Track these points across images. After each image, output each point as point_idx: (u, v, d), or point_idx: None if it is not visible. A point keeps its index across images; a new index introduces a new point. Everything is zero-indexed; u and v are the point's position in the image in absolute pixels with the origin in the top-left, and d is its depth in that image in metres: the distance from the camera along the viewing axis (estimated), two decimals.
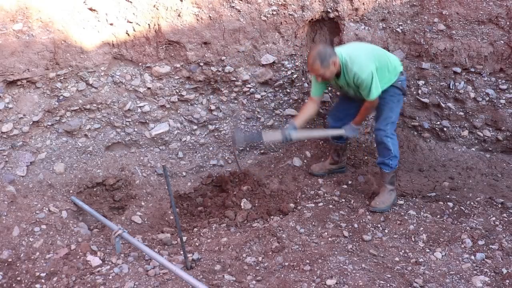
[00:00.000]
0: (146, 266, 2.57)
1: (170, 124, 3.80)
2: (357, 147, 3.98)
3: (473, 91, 3.69)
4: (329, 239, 2.83)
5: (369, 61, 2.96)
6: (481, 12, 3.48)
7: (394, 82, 3.12)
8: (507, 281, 2.33)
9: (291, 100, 4.03)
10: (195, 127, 3.88)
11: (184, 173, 3.83)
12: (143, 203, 3.49)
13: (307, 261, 2.54)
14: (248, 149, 4.09)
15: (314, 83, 3.23)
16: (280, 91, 3.96)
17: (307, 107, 3.29)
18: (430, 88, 3.82)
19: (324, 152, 3.97)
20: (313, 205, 3.26)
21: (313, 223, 3.02)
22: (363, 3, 3.69)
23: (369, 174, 3.64)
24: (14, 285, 2.44)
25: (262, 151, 4.13)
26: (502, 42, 3.49)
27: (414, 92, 3.87)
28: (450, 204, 3.14)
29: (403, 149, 3.90)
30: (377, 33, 3.80)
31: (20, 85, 3.15)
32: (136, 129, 3.73)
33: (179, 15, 3.46)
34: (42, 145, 3.36)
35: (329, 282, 2.34)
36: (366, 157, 3.90)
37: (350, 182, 3.58)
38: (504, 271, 2.40)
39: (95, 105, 3.51)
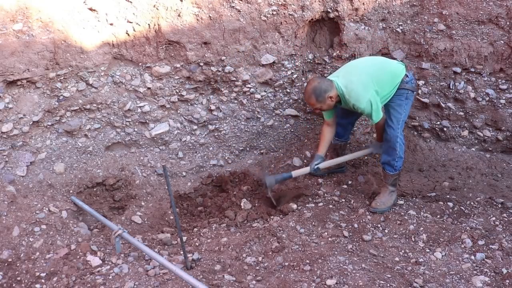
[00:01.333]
0: (146, 266, 2.57)
1: (170, 124, 3.80)
2: (356, 147, 3.98)
3: (473, 91, 3.69)
4: (329, 239, 2.83)
5: (366, 90, 3.00)
6: (481, 12, 3.48)
7: (399, 86, 3.13)
8: (507, 281, 2.33)
9: (291, 100, 4.03)
10: (195, 127, 3.88)
11: (184, 173, 3.83)
12: (143, 203, 3.49)
13: (307, 261, 2.54)
14: (248, 149, 4.09)
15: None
16: (280, 91, 3.96)
17: (325, 133, 3.40)
18: (430, 88, 3.82)
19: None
20: (313, 205, 3.26)
21: (313, 223, 3.02)
22: (363, 3, 3.69)
23: (369, 174, 3.64)
24: (14, 285, 2.44)
25: (262, 151, 4.14)
26: (502, 42, 3.49)
27: (414, 92, 3.87)
28: (450, 204, 3.14)
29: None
30: (377, 33, 3.80)
31: (20, 85, 3.15)
32: (136, 129, 3.73)
33: (179, 15, 3.46)
34: (42, 145, 3.36)
35: (329, 282, 2.34)
36: (366, 157, 3.90)
37: (350, 182, 3.58)
38: (504, 271, 2.40)
39: (95, 105, 3.51)
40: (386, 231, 2.90)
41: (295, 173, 3.42)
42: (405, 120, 3.19)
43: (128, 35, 3.46)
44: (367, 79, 3.03)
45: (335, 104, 3.15)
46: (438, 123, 3.89)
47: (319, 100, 3.05)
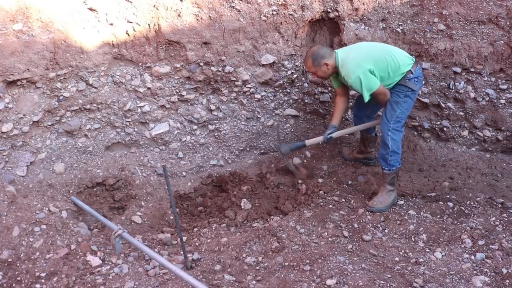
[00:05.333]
0: (146, 266, 2.57)
1: (170, 124, 3.80)
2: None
3: (473, 91, 3.69)
4: (329, 239, 2.83)
5: (358, 66, 3.02)
6: (481, 12, 3.48)
7: (400, 81, 3.12)
8: (507, 281, 2.33)
9: (291, 100, 4.03)
10: (195, 127, 3.88)
11: (184, 173, 3.83)
12: (143, 203, 3.49)
13: (307, 261, 2.54)
14: (248, 149, 4.09)
15: (331, 78, 3.37)
16: (280, 91, 3.96)
17: (338, 103, 3.43)
18: (430, 88, 3.82)
19: (324, 152, 3.97)
20: (313, 205, 3.26)
21: (313, 223, 3.02)
22: (363, 3, 3.69)
23: (369, 174, 3.64)
24: (14, 285, 2.44)
25: (262, 151, 4.14)
26: (502, 42, 3.49)
27: (417, 91, 3.86)
28: (450, 204, 3.14)
29: (403, 149, 3.90)
30: (377, 33, 3.80)
31: (20, 85, 3.15)
32: (136, 129, 3.73)
33: (179, 15, 3.46)
34: (42, 145, 3.36)
35: (329, 282, 2.34)
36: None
37: (350, 182, 3.58)
38: (504, 271, 2.40)
39: (95, 105, 3.51)
40: (386, 231, 2.90)
41: (308, 142, 3.54)
42: (403, 117, 3.17)
43: (128, 35, 3.46)
44: (365, 59, 3.05)
45: (331, 73, 3.22)
46: (438, 123, 3.89)
47: (315, 64, 3.16)
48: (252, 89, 3.85)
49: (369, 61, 3.04)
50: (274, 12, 3.61)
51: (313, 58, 3.15)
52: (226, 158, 4.01)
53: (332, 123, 3.41)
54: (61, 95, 3.34)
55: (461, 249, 2.63)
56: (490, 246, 2.64)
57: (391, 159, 3.15)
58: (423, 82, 3.74)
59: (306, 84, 4.00)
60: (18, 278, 2.48)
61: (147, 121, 3.73)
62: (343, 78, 3.14)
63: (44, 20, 3.11)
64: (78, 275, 2.48)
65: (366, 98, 3.07)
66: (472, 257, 2.55)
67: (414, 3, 3.68)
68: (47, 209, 2.99)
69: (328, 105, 4.09)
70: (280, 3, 3.59)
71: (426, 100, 3.85)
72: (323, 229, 2.95)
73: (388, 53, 3.12)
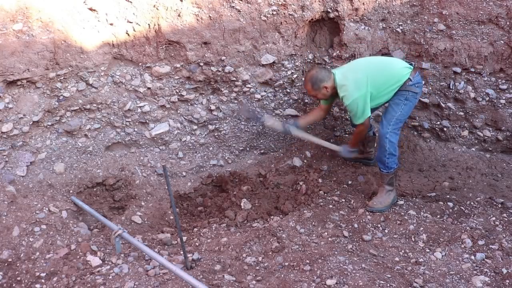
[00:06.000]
0: (146, 266, 2.57)
1: (170, 124, 3.80)
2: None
3: (473, 91, 3.69)
4: (329, 239, 2.83)
5: (357, 89, 3.07)
6: (481, 12, 3.48)
7: (401, 88, 3.12)
8: (507, 281, 2.33)
9: (291, 100, 4.03)
10: (195, 127, 3.88)
11: (184, 173, 3.83)
12: (143, 203, 3.49)
13: (307, 261, 2.54)
14: (248, 149, 4.09)
15: None
16: (280, 91, 3.96)
17: (314, 112, 3.58)
18: (430, 88, 3.82)
19: (324, 153, 3.97)
20: (313, 205, 3.26)
21: (313, 223, 3.02)
22: (363, 3, 3.69)
23: (369, 174, 3.64)
24: (14, 285, 2.44)
25: (262, 151, 4.14)
26: (502, 42, 3.49)
27: (418, 94, 3.86)
28: (450, 204, 3.14)
29: (403, 149, 3.90)
30: (377, 33, 3.80)
31: (20, 85, 3.15)
32: (136, 129, 3.73)
33: (179, 15, 3.46)
34: (42, 145, 3.36)
35: (329, 282, 2.34)
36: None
37: (350, 182, 3.58)
38: (504, 271, 2.40)
39: (95, 105, 3.51)
40: (386, 231, 2.90)
41: (268, 119, 3.60)
42: (403, 120, 3.18)
43: (128, 35, 3.46)
44: (363, 80, 3.07)
45: (330, 94, 3.26)
46: (438, 123, 3.90)
47: (314, 88, 3.21)
48: (252, 89, 3.85)
49: (367, 81, 3.06)
50: (274, 12, 3.61)
51: (312, 82, 3.20)
52: (226, 158, 4.01)
53: (298, 121, 3.50)
54: (61, 95, 3.34)
55: (461, 249, 2.64)
56: (490, 246, 2.64)
57: (389, 161, 3.15)
58: (423, 85, 3.72)
59: None
60: (18, 278, 2.48)
61: (147, 121, 3.73)
62: (341, 99, 3.18)
63: (44, 20, 3.11)
64: (78, 275, 2.48)
65: (356, 121, 3.17)
66: (472, 257, 2.56)
67: (414, 3, 3.68)
68: (47, 209, 2.99)
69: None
70: (280, 3, 3.59)
71: (426, 100, 3.85)
72: (323, 229, 2.95)
73: (385, 68, 3.15)
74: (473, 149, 3.85)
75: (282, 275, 2.43)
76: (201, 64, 3.64)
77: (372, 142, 3.75)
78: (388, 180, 3.19)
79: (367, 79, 3.06)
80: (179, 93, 3.72)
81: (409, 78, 3.11)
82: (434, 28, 3.65)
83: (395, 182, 3.27)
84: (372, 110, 3.51)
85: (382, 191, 3.19)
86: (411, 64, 3.19)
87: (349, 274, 2.41)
